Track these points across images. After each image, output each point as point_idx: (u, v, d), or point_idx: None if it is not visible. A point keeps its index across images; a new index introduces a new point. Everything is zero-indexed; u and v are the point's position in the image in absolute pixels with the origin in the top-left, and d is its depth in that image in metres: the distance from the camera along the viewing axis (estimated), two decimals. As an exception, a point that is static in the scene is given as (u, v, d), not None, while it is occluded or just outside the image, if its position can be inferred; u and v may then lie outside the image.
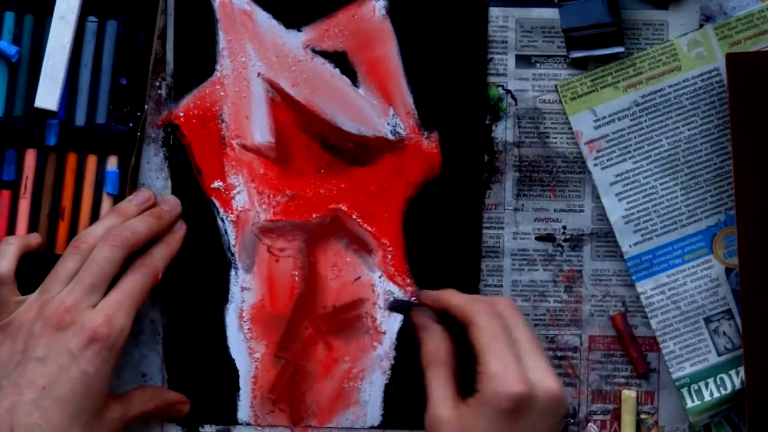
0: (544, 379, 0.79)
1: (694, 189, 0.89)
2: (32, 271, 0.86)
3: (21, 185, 0.89)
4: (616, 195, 0.89)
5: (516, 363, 0.79)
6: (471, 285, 0.90)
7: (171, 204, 0.88)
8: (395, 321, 0.90)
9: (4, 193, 0.89)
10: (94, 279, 0.82)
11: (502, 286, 0.90)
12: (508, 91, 0.90)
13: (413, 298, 0.88)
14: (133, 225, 0.85)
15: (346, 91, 0.89)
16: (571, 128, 0.89)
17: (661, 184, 0.89)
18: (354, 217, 0.90)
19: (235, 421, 0.90)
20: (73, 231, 0.88)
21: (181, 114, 0.89)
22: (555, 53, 0.89)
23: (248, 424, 0.90)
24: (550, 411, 0.79)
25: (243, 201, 0.90)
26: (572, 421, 0.91)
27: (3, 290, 0.84)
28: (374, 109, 0.89)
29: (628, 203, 0.89)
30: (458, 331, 0.82)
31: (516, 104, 0.90)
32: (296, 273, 0.90)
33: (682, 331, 0.89)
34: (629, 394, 0.90)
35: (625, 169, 0.89)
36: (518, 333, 0.81)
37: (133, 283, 0.83)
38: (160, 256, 0.86)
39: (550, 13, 0.89)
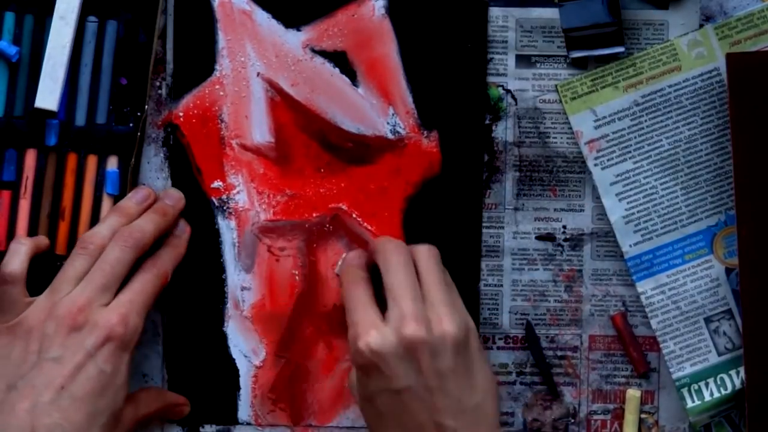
0: (441, 321, 0.80)
1: (695, 189, 0.89)
2: (31, 271, 0.86)
3: (21, 185, 0.89)
4: (617, 195, 0.89)
5: (415, 308, 0.80)
6: (471, 284, 0.90)
7: (174, 198, 0.88)
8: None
9: (4, 193, 0.89)
10: (106, 279, 0.82)
11: (502, 285, 0.90)
12: (508, 91, 0.90)
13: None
14: (142, 225, 0.85)
15: (346, 90, 0.89)
16: (571, 128, 0.89)
17: (661, 184, 0.89)
18: (354, 216, 0.90)
19: (235, 421, 0.91)
20: (73, 231, 0.88)
21: (181, 114, 0.89)
22: (555, 53, 0.89)
23: (249, 424, 0.91)
24: (446, 352, 0.79)
25: (243, 201, 0.90)
26: (573, 420, 0.91)
27: (14, 289, 0.84)
28: (374, 109, 0.89)
29: (628, 203, 0.89)
30: None
31: (516, 104, 0.90)
32: (296, 272, 0.90)
33: (682, 331, 0.89)
34: (633, 394, 0.90)
35: (626, 169, 0.89)
36: (426, 276, 0.82)
37: (144, 284, 0.84)
38: (167, 258, 0.86)
39: (550, 13, 0.89)
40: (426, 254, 0.84)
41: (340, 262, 0.89)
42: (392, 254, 0.83)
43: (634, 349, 0.90)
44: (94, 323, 0.81)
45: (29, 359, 0.81)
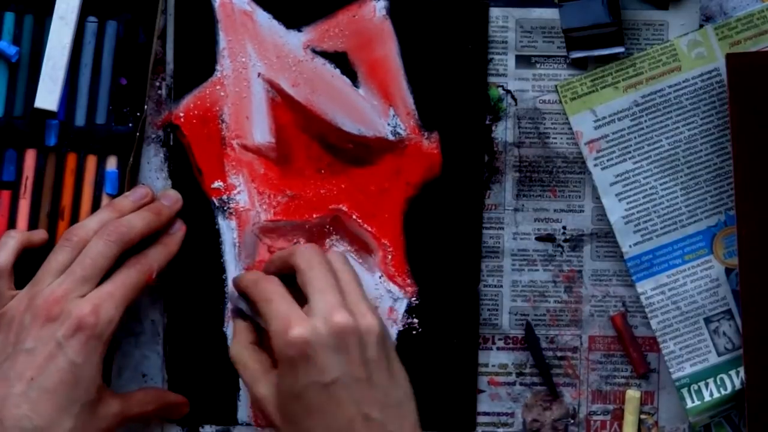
0: (365, 314, 0.80)
1: (694, 189, 0.89)
2: (29, 267, 0.85)
3: (21, 185, 0.89)
4: (616, 195, 0.89)
5: (339, 300, 0.80)
6: (471, 285, 0.90)
7: (171, 199, 0.88)
8: (395, 323, 0.90)
9: (4, 193, 0.89)
10: (86, 272, 0.82)
11: (502, 286, 0.90)
12: (508, 92, 0.90)
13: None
14: (130, 220, 0.84)
15: (347, 91, 0.89)
16: (571, 128, 0.89)
17: (661, 185, 0.89)
18: (354, 217, 0.90)
19: (235, 421, 0.90)
20: (73, 231, 0.88)
21: (182, 114, 0.89)
22: (555, 53, 0.89)
23: (248, 425, 0.90)
24: (372, 343, 0.80)
25: (244, 201, 0.90)
26: (572, 421, 0.91)
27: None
28: (374, 110, 0.89)
29: (628, 203, 0.89)
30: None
31: (516, 104, 0.90)
32: (296, 273, 0.90)
33: (682, 332, 0.89)
34: (633, 394, 0.90)
35: (625, 170, 0.89)
36: (342, 276, 0.83)
37: (126, 278, 0.83)
38: (156, 256, 0.86)
39: (550, 14, 0.89)
40: (338, 256, 0.85)
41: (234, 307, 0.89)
42: (310, 254, 0.83)
43: (634, 350, 0.90)
44: (67, 314, 0.80)
45: (6, 350, 0.81)
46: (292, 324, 0.79)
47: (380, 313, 0.90)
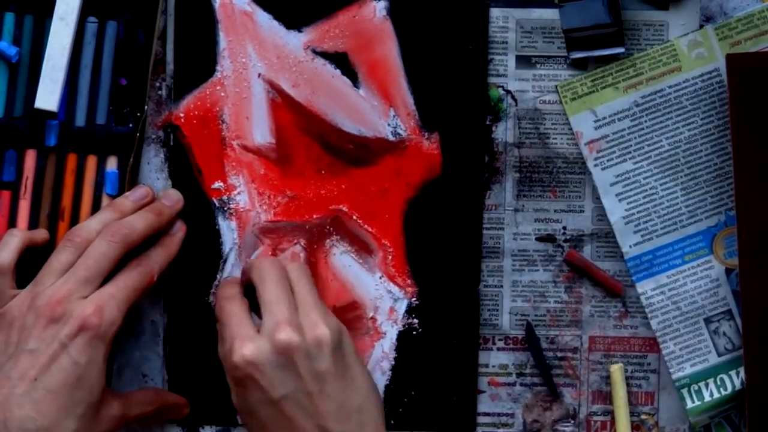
0: (315, 325, 0.81)
1: (695, 189, 0.89)
2: (30, 266, 0.85)
3: (21, 186, 0.89)
4: (617, 195, 0.89)
5: (287, 316, 0.81)
6: (471, 285, 0.90)
7: (172, 199, 0.88)
8: (395, 323, 0.90)
9: (4, 193, 0.89)
10: (89, 272, 0.82)
11: (502, 286, 0.90)
12: (508, 92, 0.90)
13: None
14: (132, 222, 0.84)
15: (347, 91, 0.89)
16: (571, 129, 0.89)
17: (661, 185, 0.89)
18: (354, 217, 0.90)
19: (235, 422, 0.90)
20: (73, 232, 0.88)
21: (182, 115, 0.89)
22: (555, 54, 0.90)
23: (248, 425, 0.90)
24: (322, 354, 0.80)
25: (244, 201, 0.90)
26: (572, 422, 0.91)
27: (1, 280, 0.84)
28: (375, 110, 0.89)
29: (628, 204, 0.89)
30: None
31: (516, 105, 0.90)
32: (296, 274, 0.90)
33: (682, 332, 0.89)
34: (617, 368, 0.89)
35: (626, 170, 0.89)
36: (298, 288, 0.83)
37: (128, 280, 0.83)
38: (157, 258, 0.86)
39: (550, 14, 0.89)
40: (296, 267, 0.85)
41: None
42: (266, 268, 0.84)
43: (601, 277, 0.89)
44: (70, 314, 0.80)
45: (8, 351, 0.81)
46: (236, 346, 0.81)
47: (380, 314, 0.90)
